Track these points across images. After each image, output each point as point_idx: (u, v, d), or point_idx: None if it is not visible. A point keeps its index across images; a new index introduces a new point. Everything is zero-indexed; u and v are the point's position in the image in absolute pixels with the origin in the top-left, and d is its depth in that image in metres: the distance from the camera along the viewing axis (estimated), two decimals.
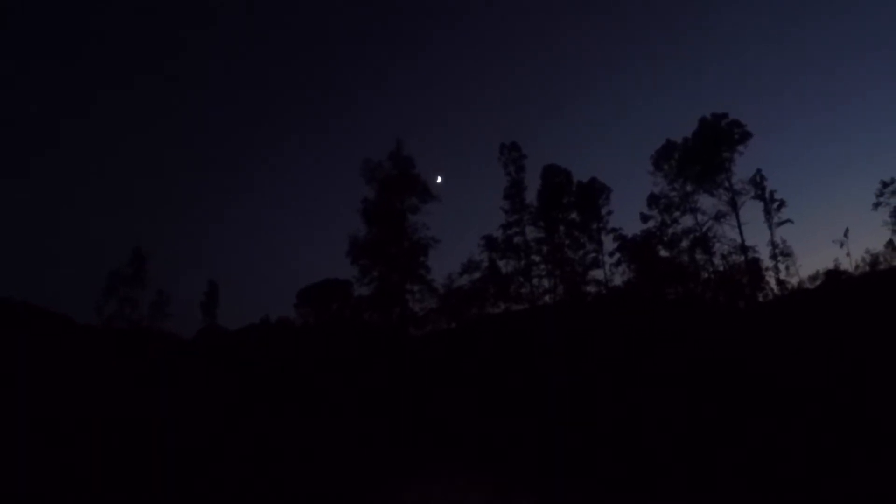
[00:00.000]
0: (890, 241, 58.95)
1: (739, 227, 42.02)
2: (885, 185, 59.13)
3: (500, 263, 35.84)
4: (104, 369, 37.12)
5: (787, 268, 48.31)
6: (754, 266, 42.97)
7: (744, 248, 42.11)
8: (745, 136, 43.92)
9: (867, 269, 55.60)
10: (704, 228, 40.74)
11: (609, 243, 37.60)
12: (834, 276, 50.17)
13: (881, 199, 58.74)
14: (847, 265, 55.49)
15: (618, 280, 36.95)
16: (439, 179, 39.20)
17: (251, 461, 22.86)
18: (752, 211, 53.71)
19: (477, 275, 35.25)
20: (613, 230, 37.69)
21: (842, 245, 56.99)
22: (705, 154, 42.27)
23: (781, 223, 47.99)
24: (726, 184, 42.85)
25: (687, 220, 40.00)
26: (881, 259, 58.01)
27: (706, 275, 40.11)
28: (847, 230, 58.55)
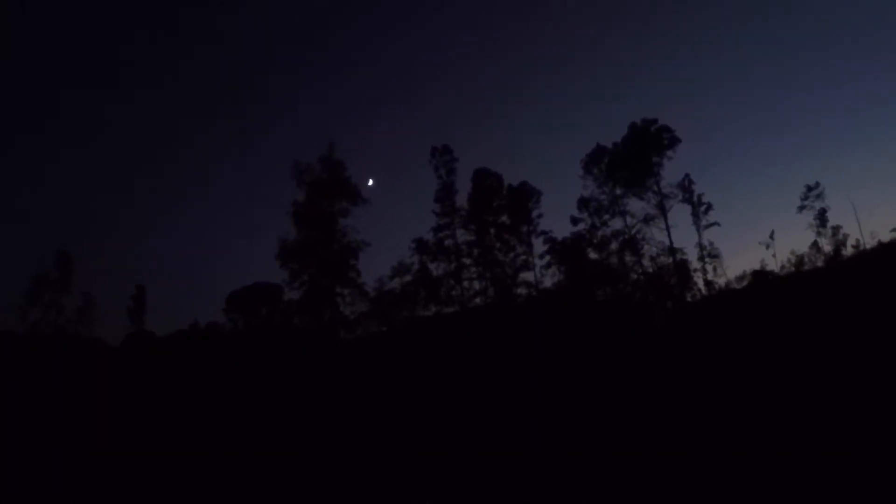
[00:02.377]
0: (815, 243, 62.10)
1: (668, 229, 43.36)
2: (809, 188, 62.30)
3: (431, 266, 36.11)
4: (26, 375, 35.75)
5: (714, 269, 50.38)
6: (682, 267, 44.46)
7: (672, 250, 43.49)
8: (674, 142, 45.41)
9: (792, 269, 58.37)
10: (633, 231, 41.95)
11: (539, 246, 38.34)
12: (760, 277, 52.44)
13: (806, 203, 61.94)
14: (773, 266, 58.22)
15: (548, 282, 37.66)
16: (370, 182, 39.34)
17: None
18: (680, 214, 55.65)
19: (408, 278, 35.43)
20: (544, 233, 38.45)
21: (768, 247, 59.75)
22: (635, 158, 43.52)
23: (709, 225, 50.01)
24: (655, 187, 44.20)
25: (616, 223, 41.09)
26: (806, 260, 60.99)
27: (635, 276, 41.30)
28: (773, 232, 61.42)
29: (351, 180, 36.07)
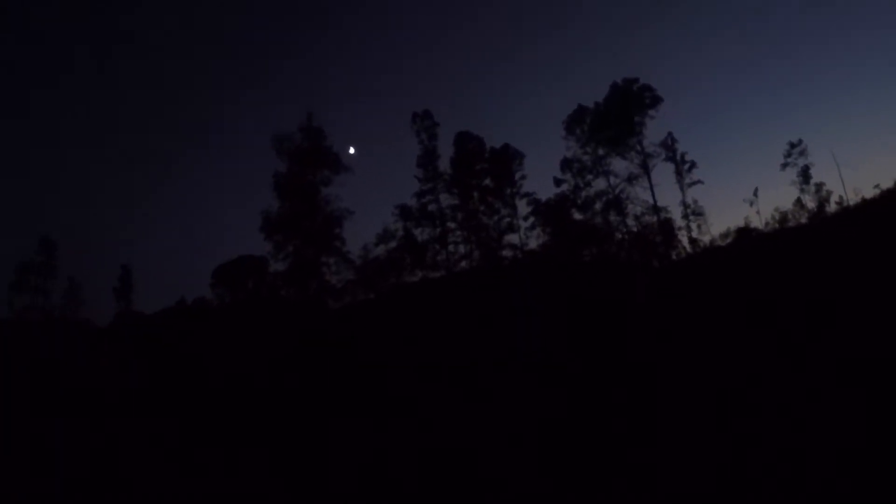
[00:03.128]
0: (798, 200, 62.63)
1: (651, 188, 43.41)
2: (792, 145, 62.56)
3: (416, 232, 36.05)
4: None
5: (698, 226, 50.71)
6: (667, 226, 44.73)
7: (656, 209, 43.61)
8: (656, 101, 45.22)
9: (777, 226, 58.96)
10: (617, 191, 41.96)
11: (523, 208, 38.32)
12: (745, 234, 52.90)
13: (789, 160, 62.27)
14: (757, 223, 58.76)
15: (533, 243, 37.76)
16: (352, 150, 39.00)
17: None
18: (663, 173, 55.71)
19: (393, 244, 35.39)
20: (527, 195, 38.41)
21: (751, 204, 60.28)
22: (617, 118, 43.35)
23: (692, 184, 50.17)
24: (638, 147, 44.12)
25: (600, 183, 41.07)
26: (790, 216, 61.59)
27: (620, 235, 41.48)
28: (756, 189, 62.03)
29: (332, 149, 35.72)
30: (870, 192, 54.53)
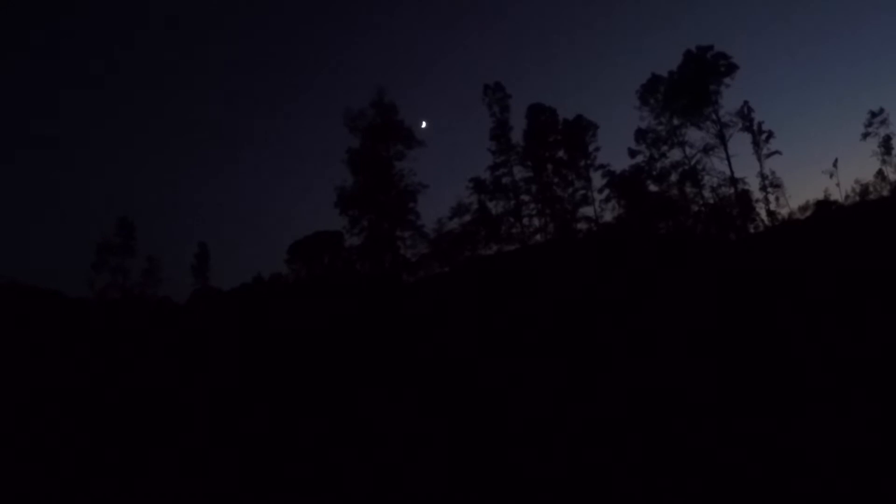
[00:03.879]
0: (879, 171, 59.16)
1: (728, 159, 41.89)
2: (873, 115, 59.12)
3: (490, 205, 35.72)
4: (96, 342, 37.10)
5: (776, 199, 48.36)
6: (744, 198, 42.97)
7: (733, 180, 42.03)
8: (731, 69, 43.50)
9: (857, 198, 55.85)
10: (693, 161, 40.57)
11: (598, 180, 37.45)
12: (824, 206, 50.26)
13: (870, 130, 58.82)
14: (837, 195, 55.80)
15: (608, 216, 36.87)
16: (424, 125, 38.84)
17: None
18: (740, 143, 53.39)
19: (467, 217, 35.15)
20: (601, 166, 37.51)
21: (831, 175, 57.04)
22: (691, 87, 41.84)
23: (770, 154, 47.91)
24: (713, 116, 42.55)
25: (675, 154, 39.83)
26: (871, 189, 58.26)
27: (696, 208, 40.10)
28: (836, 160, 58.62)
29: (404, 123, 35.65)
30: None
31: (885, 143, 58.64)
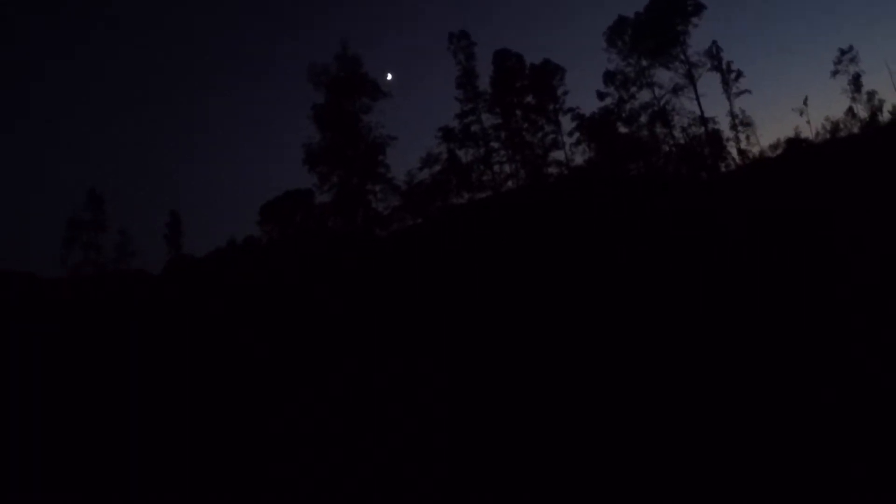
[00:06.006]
0: (850, 109, 59.51)
1: (698, 99, 41.86)
2: (843, 52, 59.10)
3: (460, 153, 35.43)
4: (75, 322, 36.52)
5: (747, 137, 48.67)
6: (715, 137, 43.05)
7: (703, 120, 42.05)
8: (699, 8, 43.15)
9: (828, 136, 56.18)
10: (662, 102, 40.44)
11: (567, 123, 37.23)
12: (795, 144, 50.53)
13: (839, 68, 58.90)
14: (808, 133, 56.08)
15: (579, 159, 36.76)
16: (389, 77, 38.16)
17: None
18: (709, 83, 53.37)
19: (437, 168, 34.85)
20: (571, 110, 37.23)
21: (801, 113, 57.58)
22: (659, 27, 41.45)
23: (740, 94, 47.85)
24: (682, 56, 42.33)
25: (644, 95, 39.65)
26: (841, 126, 58.62)
27: (667, 148, 40.12)
28: (806, 98, 58.90)
29: (369, 76, 35.01)
30: None
31: (855, 81, 58.87)
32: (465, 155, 35.28)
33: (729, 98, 46.81)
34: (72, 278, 40.27)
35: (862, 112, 58.79)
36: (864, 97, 59.04)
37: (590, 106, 40.20)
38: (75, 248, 42.90)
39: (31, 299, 36.17)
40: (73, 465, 12.84)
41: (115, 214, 54.10)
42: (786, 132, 68.13)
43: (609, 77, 38.48)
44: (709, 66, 44.49)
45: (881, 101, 58.67)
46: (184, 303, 36.48)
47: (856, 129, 56.71)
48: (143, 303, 37.46)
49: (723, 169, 43.45)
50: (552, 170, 35.92)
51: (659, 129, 39.40)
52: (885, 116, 57.52)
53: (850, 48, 59.34)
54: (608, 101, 38.26)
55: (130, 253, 40.54)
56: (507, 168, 35.69)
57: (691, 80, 41.89)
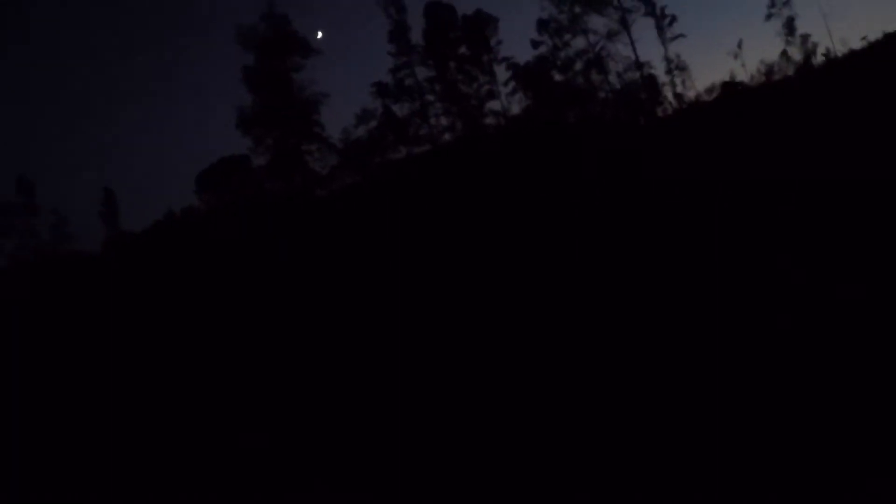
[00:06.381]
0: (784, 52, 60.93)
1: (632, 44, 42.21)
2: None
3: (395, 108, 35.15)
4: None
5: (683, 82, 49.46)
6: (651, 82, 43.69)
7: (639, 65, 42.52)
8: None
9: (763, 79, 57.59)
10: (597, 49, 40.69)
11: (503, 74, 37.24)
12: (730, 88, 51.77)
13: (773, 11, 60.00)
14: (742, 76, 57.35)
15: (516, 109, 36.90)
16: (319, 34, 37.36)
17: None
18: (644, 29, 54.02)
19: (373, 124, 34.51)
20: (505, 59, 37.19)
21: (736, 57, 58.71)
22: None
23: (674, 38, 48.51)
24: (615, 2, 42.49)
25: (579, 43, 39.75)
26: (776, 69, 60.06)
27: (603, 94, 40.55)
28: (741, 42, 60.12)
29: (298, 34, 34.25)
30: (857, 44, 52.68)
31: (789, 24, 59.97)
32: (400, 109, 35.10)
33: (664, 43, 47.46)
34: (10, 266, 38.99)
35: (796, 55, 60.35)
36: (798, 40, 60.50)
37: (524, 55, 40.24)
38: (10, 236, 41.35)
39: None
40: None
41: (46, 196, 51.98)
42: (721, 76, 69.09)
43: (542, 25, 38.50)
44: (643, 11, 44.86)
45: (815, 45, 60.16)
46: (125, 280, 35.73)
47: (790, 72, 58.31)
48: (80, 284, 36.55)
49: (659, 114, 44.35)
50: (489, 120, 36.06)
51: (595, 76, 39.75)
52: (818, 59, 59.20)
53: None
54: (543, 49, 38.34)
55: (67, 235, 39.30)
56: (443, 121, 35.68)
57: (625, 25, 42.19)
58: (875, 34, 58.04)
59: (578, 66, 39.20)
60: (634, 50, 42.18)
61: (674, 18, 47.90)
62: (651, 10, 46.86)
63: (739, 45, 57.35)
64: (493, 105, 36.29)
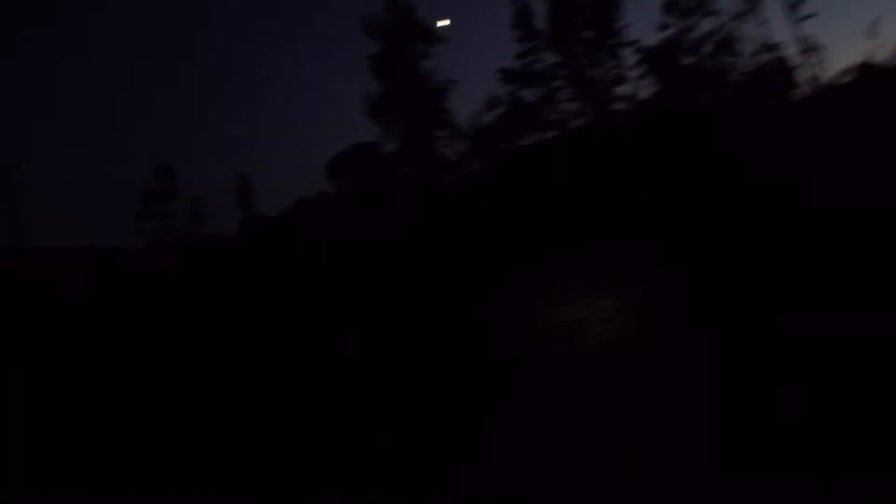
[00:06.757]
0: None
1: (763, 25, 40.10)
2: None
3: (523, 94, 34.90)
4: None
5: (817, 63, 46.34)
6: (782, 64, 41.24)
7: (769, 47, 40.30)
8: None
9: None
10: (726, 30, 38.86)
11: (630, 57, 36.25)
12: (868, 70, 47.94)
13: None
14: (881, 57, 52.91)
15: (644, 93, 35.79)
16: (444, 23, 37.73)
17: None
18: (774, 8, 50.86)
19: (501, 110, 34.47)
20: (632, 43, 36.16)
21: (873, 37, 54.16)
22: None
23: (806, 17, 45.58)
24: None
25: (707, 24, 38.14)
26: None
27: (734, 77, 38.60)
28: (878, 20, 55.37)
29: (423, 22, 34.86)
30: None
31: None
32: (528, 95, 34.85)
33: (795, 23, 44.70)
34: (151, 249, 41.85)
35: None
36: None
37: (652, 38, 39.02)
38: (150, 220, 44.47)
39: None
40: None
41: (185, 182, 55.82)
42: (856, 58, 63.94)
43: (669, 6, 37.16)
44: None
45: None
46: (259, 262, 37.39)
47: None
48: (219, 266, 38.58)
49: (794, 97, 41.67)
50: (618, 105, 35.07)
51: (724, 58, 37.92)
52: None
53: None
54: (670, 31, 36.99)
55: (203, 219, 41.79)
56: (571, 106, 35.06)
57: (756, 5, 40.11)
58: None
59: (707, 48, 37.54)
60: (765, 31, 40.00)
61: None
62: None
63: (877, 24, 52.82)
64: (622, 90, 35.36)
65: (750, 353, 8.72)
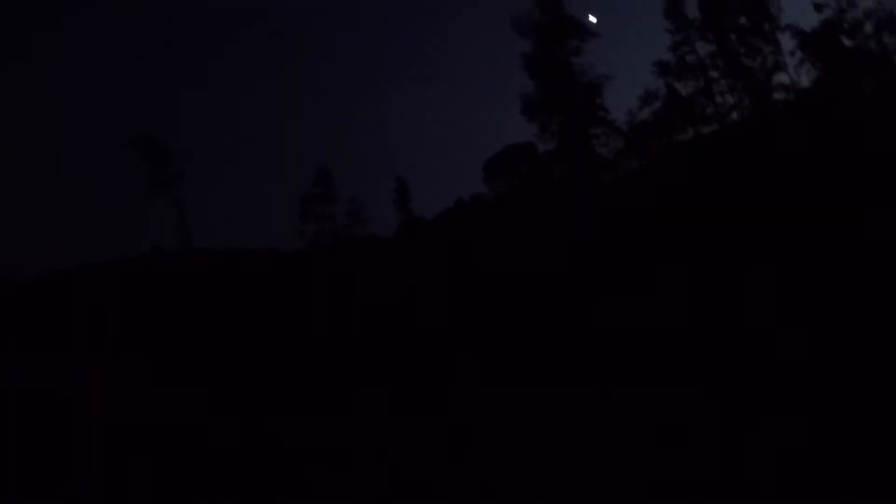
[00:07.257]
0: None
1: None
2: None
3: (678, 87, 34.30)
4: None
5: None
6: None
7: None
8: None
9: None
10: (888, 7, 36.82)
11: (787, 43, 34.91)
12: None
13: None
14: None
15: (804, 81, 34.46)
16: (593, 18, 37.35)
17: None
18: None
19: (657, 105, 34.02)
20: (788, 27, 34.78)
21: None
22: None
23: None
24: None
25: (867, 2, 36.18)
26: None
27: None
28: None
29: (573, 18, 34.52)
30: None
31: None
32: (684, 88, 34.22)
33: None
34: (311, 249, 43.27)
35: None
36: None
37: (807, 21, 37.35)
38: (310, 222, 45.67)
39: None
40: None
41: (344, 186, 57.60)
42: None
43: None
44: None
45: None
46: (416, 260, 38.34)
47: None
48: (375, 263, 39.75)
49: None
50: (778, 95, 33.97)
51: (887, 39, 36.00)
52: None
53: None
54: (827, 12, 35.31)
55: (362, 220, 42.88)
56: (729, 98, 34.23)
57: None
58: None
59: (868, 28, 35.71)
60: None
61: None
62: None
63: None
64: (781, 78, 34.18)
65: None
